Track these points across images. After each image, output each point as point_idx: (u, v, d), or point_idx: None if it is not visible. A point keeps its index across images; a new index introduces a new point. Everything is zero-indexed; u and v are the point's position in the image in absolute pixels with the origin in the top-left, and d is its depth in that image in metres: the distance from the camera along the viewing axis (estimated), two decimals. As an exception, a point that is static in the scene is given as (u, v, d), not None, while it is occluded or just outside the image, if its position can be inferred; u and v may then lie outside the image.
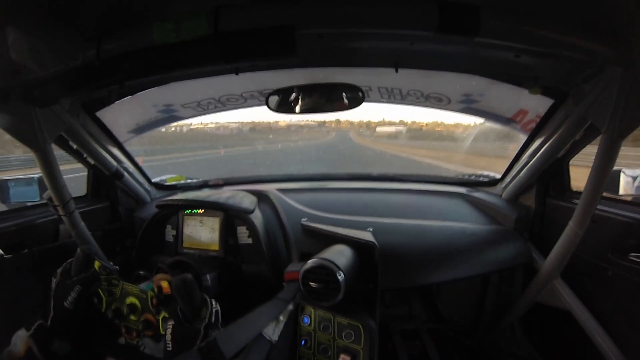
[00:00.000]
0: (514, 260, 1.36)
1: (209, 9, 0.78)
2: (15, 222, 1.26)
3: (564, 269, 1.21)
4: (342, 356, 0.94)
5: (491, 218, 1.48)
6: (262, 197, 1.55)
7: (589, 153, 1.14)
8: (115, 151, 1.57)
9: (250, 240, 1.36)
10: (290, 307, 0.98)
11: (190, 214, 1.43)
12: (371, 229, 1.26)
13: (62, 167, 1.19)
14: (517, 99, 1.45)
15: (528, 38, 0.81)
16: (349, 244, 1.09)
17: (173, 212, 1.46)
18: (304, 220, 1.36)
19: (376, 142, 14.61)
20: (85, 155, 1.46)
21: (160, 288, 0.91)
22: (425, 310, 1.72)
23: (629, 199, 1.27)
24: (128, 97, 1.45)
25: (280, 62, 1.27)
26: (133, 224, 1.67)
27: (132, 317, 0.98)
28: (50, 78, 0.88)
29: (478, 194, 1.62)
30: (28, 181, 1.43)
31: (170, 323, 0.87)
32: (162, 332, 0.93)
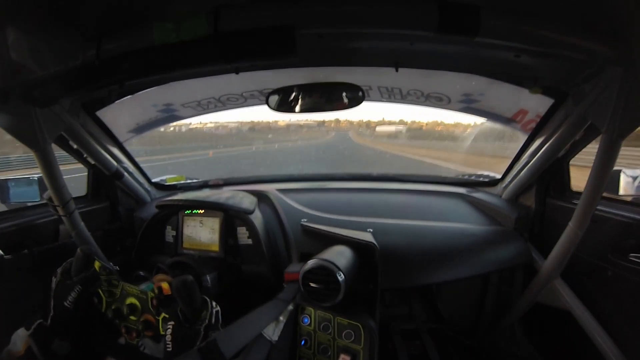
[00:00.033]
0: (514, 260, 1.36)
1: (209, 9, 0.78)
2: (15, 222, 1.26)
3: (564, 269, 1.21)
4: (342, 356, 0.94)
5: (491, 218, 1.48)
6: (262, 197, 1.55)
7: (589, 153, 1.14)
8: (116, 151, 1.57)
9: (250, 241, 1.36)
10: (290, 307, 0.98)
11: (190, 214, 1.43)
12: (371, 230, 1.26)
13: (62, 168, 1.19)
14: (517, 98, 1.45)
15: (528, 38, 0.81)
16: (349, 244, 1.09)
17: (173, 213, 1.46)
18: (304, 221, 1.36)
19: (376, 142, 14.59)
20: (85, 155, 1.46)
21: (160, 289, 0.92)
22: (425, 310, 1.72)
23: (629, 199, 1.27)
24: (128, 96, 1.45)
25: (281, 62, 1.27)
26: (133, 224, 1.67)
27: (132, 318, 0.98)
28: (50, 78, 0.88)
29: (478, 194, 1.62)
30: (28, 181, 1.43)
31: (171, 324, 0.87)
32: (162, 332, 0.93)
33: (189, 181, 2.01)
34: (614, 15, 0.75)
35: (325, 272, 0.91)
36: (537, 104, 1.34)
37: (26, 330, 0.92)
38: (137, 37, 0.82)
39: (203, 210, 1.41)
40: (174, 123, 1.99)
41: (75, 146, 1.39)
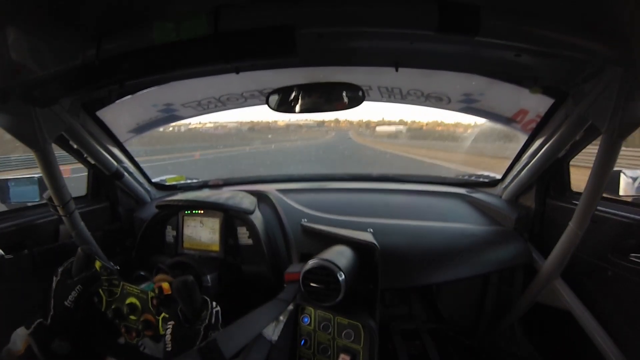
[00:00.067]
0: (514, 260, 1.36)
1: (209, 9, 0.78)
2: (15, 222, 1.26)
3: (564, 269, 1.21)
4: (342, 356, 0.93)
5: (491, 219, 1.48)
6: (262, 197, 1.55)
7: (589, 153, 1.14)
8: (116, 151, 1.57)
9: (250, 241, 1.36)
10: (291, 307, 0.98)
11: (191, 215, 1.42)
12: (371, 230, 1.26)
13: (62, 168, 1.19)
14: (517, 98, 1.45)
15: (528, 38, 0.81)
16: (349, 244, 1.09)
17: (173, 213, 1.46)
18: (304, 221, 1.36)
19: (376, 142, 14.59)
20: (85, 155, 1.46)
21: (160, 289, 0.92)
22: (425, 310, 1.73)
23: (629, 199, 1.27)
24: (128, 96, 1.45)
25: (281, 62, 1.27)
26: (133, 224, 1.67)
27: (132, 317, 0.98)
28: (50, 78, 0.88)
29: (478, 195, 1.62)
30: (28, 181, 1.43)
31: (171, 323, 0.87)
32: (161, 332, 0.93)
33: (189, 181, 2.01)
34: (614, 15, 0.75)
35: (325, 272, 0.91)
36: (537, 103, 1.34)
37: (26, 329, 0.92)
38: (137, 37, 0.82)
39: (203, 211, 1.41)
40: (174, 123, 1.99)
41: (75, 146, 1.39)
